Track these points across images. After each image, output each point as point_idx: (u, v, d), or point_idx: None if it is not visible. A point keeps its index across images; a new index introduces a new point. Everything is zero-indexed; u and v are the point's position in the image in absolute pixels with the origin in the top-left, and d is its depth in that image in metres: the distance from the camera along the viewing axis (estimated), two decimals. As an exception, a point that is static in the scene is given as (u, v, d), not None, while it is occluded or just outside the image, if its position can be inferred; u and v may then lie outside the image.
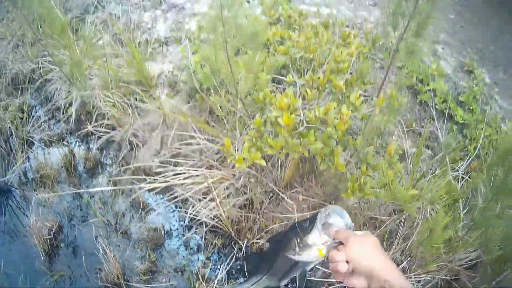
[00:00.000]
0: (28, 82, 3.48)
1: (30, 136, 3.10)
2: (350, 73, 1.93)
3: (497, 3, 4.48)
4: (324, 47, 1.85)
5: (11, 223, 2.58)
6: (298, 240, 0.91)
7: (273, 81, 2.12)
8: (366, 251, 0.84)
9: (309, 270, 1.01)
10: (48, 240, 2.34)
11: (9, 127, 3.07)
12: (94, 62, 2.88)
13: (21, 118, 3.16)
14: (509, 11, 4.40)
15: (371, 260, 0.83)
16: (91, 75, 2.96)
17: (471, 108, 2.74)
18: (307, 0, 3.35)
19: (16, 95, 3.38)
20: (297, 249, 0.91)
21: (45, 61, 3.31)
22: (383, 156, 1.85)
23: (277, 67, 1.90)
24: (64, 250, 2.40)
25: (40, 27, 3.32)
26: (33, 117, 3.23)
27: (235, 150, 1.73)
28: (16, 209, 2.66)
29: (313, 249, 0.89)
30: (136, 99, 2.68)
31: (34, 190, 2.70)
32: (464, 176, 2.24)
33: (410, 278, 1.86)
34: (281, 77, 2.02)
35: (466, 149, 2.53)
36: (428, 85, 2.74)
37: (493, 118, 2.66)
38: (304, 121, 1.50)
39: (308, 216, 1.00)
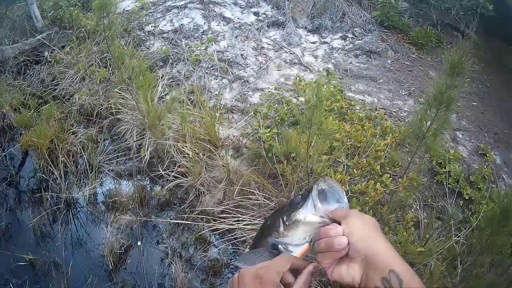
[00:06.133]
0: (96, 115, 3.95)
1: (101, 165, 3.52)
2: (385, 156, 2.56)
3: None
4: (369, 137, 2.52)
5: (83, 235, 3.06)
6: (285, 217, 0.77)
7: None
8: (368, 231, 0.67)
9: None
10: (117, 254, 2.78)
11: (80, 152, 3.51)
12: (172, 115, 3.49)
13: (93, 148, 3.56)
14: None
15: (375, 241, 0.65)
16: (166, 126, 3.46)
17: (479, 186, 3.12)
18: (353, 88, 3.91)
19: (86, 125, 3.86)
20: (281, 228, 0.77)
21: (117, 102, 3.76)
22: (401, 222, 2.42)
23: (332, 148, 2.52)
24: (130, 265, 2.82)
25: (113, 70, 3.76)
26: (105, 150, 3.68)
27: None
28: (88, 225, 3.14)
29: (300, 229, 0.75)
30: (204, 155, 3.20)
31: (107, 211, 3.18)
32: (465, 241, 2.59)
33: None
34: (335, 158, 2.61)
35: (469, 220, 2.86)
36: (445, 167, 3.11)
37: (496, 195, 2.94)
38: (349, 191, 2.13)
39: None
